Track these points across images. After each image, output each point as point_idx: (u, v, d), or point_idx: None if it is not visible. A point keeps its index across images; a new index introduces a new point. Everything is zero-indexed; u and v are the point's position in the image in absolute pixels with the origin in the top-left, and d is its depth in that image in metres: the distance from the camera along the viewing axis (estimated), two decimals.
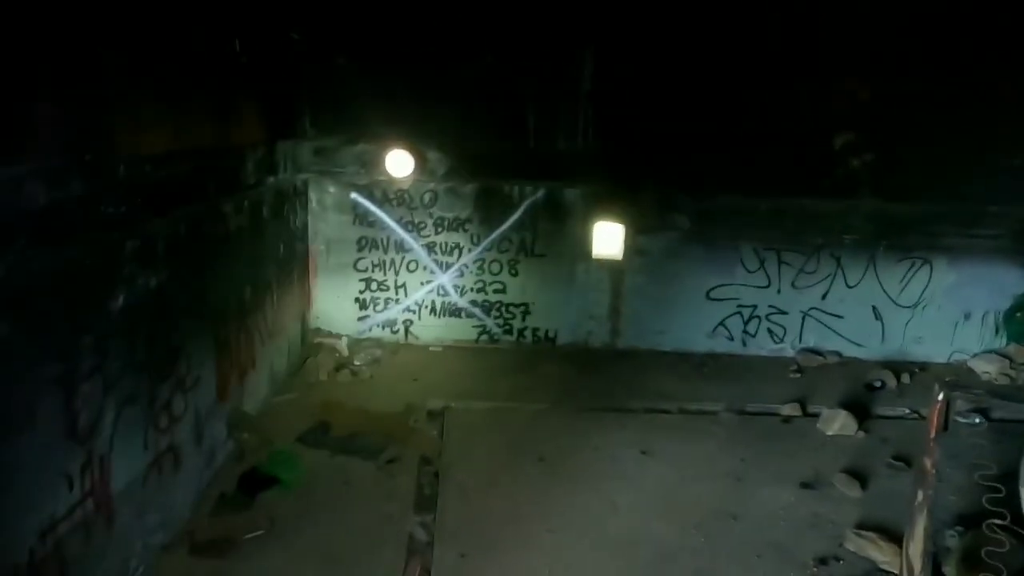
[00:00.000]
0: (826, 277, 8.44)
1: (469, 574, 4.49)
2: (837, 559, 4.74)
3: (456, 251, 8.34)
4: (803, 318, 8.56)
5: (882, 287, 8.44)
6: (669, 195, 8.22)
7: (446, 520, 5.00)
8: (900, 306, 8.50)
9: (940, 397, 3.52)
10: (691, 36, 7.72)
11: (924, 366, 8.37)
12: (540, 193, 8.23)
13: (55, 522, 3.39)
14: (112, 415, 3.86)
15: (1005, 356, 8.37)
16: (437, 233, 8.29)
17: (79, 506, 3.57)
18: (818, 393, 7.44)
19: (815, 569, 4.65)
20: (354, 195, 8.14)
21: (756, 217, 8.26)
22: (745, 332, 8.60)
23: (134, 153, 4.08)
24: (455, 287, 8.44)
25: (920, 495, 3.64)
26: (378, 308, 8.44)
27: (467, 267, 8.39)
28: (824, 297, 8.50)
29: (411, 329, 8.51)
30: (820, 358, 8.44)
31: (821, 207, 8.26)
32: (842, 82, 7.89)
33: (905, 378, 7.93)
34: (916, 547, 3.66)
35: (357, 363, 7.69)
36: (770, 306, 8.53)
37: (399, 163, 7.94)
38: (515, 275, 8.42)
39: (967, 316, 8.52)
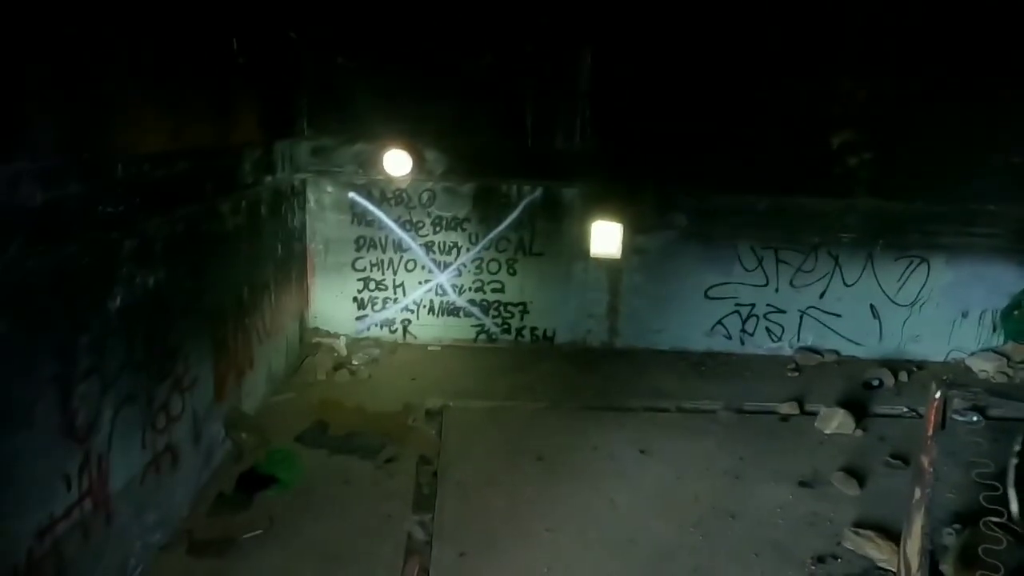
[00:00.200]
0: (824, 276, 8.46)
1: (467, 573, 4.50)
2: (835, 557, 4.76)
3: (454, 250, 8.34)
4: (801, 317, 8.58)
5: (880, 286, 8.46)
6: (667, 194, 8.22)
7: (444, 519, 5.00)
8: (898, 305, 8.52)
9: (937, 395, 3.52)
10: (689, 36, 7.73)
11: (922, 364, 8.39)
12: (538, 192, 8.23)
13: (53, 522, 3.39)
14: (110, 414, 3.86)
15: (1002, 354, 8.40)
16: (435, 232, 8.29)
17: (77, 506, 3.57)
18: (816, 391, 7.46)
19: (813, 567, 4.65)
20: (352, 194, 8.14)
21: (754, 216, 8.28)
22: (743, 331, 8.61)
23: (132, 152, 4.08)
24: (453, 286, 8.44)
25: (917, 493, 3.65)
26: (376, 307, 8.44)
27: (465, 266, 8.39)
28: (822, 296, 8.52)
29: (409, 328, 8.51)
30: (818, 356, 8.45)
31: (819, 206, 8.28)
32: (840, 82, 7.90)
33: (903, 376, 7.95)
34: (913, 545, 3.67)
35: (355, 362, 7.69)
36: (768, 305, 8.55)
37: (397, 162, 7.93)
38: (513, 274, 8.42)
39: (964, 314, 8.55)
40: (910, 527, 3.71)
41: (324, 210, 8.17)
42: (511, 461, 5.81)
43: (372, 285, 8.38)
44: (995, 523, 3.40)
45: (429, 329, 8.50)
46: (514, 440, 6.16)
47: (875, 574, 4.60)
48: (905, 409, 7.19)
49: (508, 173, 8.18)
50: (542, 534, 4.88)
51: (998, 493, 3.41)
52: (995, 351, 8.49)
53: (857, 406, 6.97)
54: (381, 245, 8.28)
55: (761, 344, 8.64)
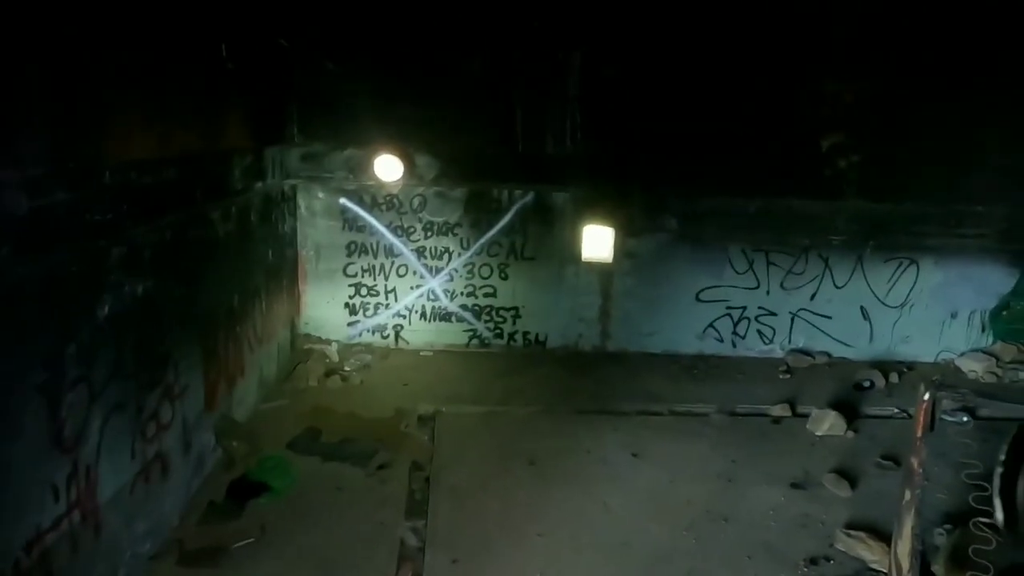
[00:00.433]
0: (814, 278, 8.50)
1: None
2: (827, 559, 4.77)
3: (446, 255, 8.33)
4: (792, 319, 8.62)
5: (870, 287, 8.51)
6: (658, 197, 8.25)
7: (437, 525, 4.98)
8: (888, 306, 8.57)
9: (926, 397, 3.54)
10: (679, 39, 7.77)
11: (912, 365, 8.44)
12: (529, 196, 8.24)
13: (41, 533, 3.35)
14: (98, 424, 3.82)
15: (991, 355, 8.46)
16: (427, 237, 8.28)
17: (65, 517, 3.53)
18: (807, 393, 7.49)
19: (805, 569, 4.66)
20: (343, 200, 8.13)
21: (745, 219, 8.31)
22: (735, 333, 8.64)
23: (120, 160, 4.06)
24: (445, 291, 8.43)
25: (907, 494, 3.67)
26: (368, 313, 8.42)
27: (457, 271, 8.38)
28: (813, 298, 8.56)
29: (401, 334, 8.49)
30: (809, 358, 8.49)
31: (809, 208, 8.32)
32: (828, 84, 7.96)
33: (893, 378, 7.99)
34: (904, 546, 3.68)
35: (347, 369, 7.67)
36: (759, 307, 8.58)
37: (388, 167, 7.93)
38: (505, 279, 8.42)
39: (954, 315, 8.61)
40: (900, 528, 3.72)
41: (315, 216, 8.15)
42: (504, 466, 5.80)
43: (364, 291, 8.36)
44: (985, 523, 3.42)
45: (421, 334, 8.48)
46: (507, 445, 6.15)
47: (867, 575, 4.61)
48: (896, 410, 7.22)
49: (499, 177, 8.19)
50: (535, 539, 4.87)
51: (988, 493, 3.42)
52: (984, 351, 8.54)
53: (848, 407, 7.00)
54: (372, 251, 8.27)
55: (753, 346, 8.67)
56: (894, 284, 8.51)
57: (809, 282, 8.51)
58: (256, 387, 6.63)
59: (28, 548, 3.27)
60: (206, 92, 5.48)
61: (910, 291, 8.52)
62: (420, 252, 8.31)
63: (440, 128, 7.89)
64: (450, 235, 8.28)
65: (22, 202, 3.18)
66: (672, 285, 8.46)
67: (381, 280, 8.35)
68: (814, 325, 8.63)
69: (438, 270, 8.37)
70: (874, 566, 4.63)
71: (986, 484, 3.47)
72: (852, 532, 4.90)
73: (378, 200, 8.16)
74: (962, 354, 8.58)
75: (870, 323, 8.61)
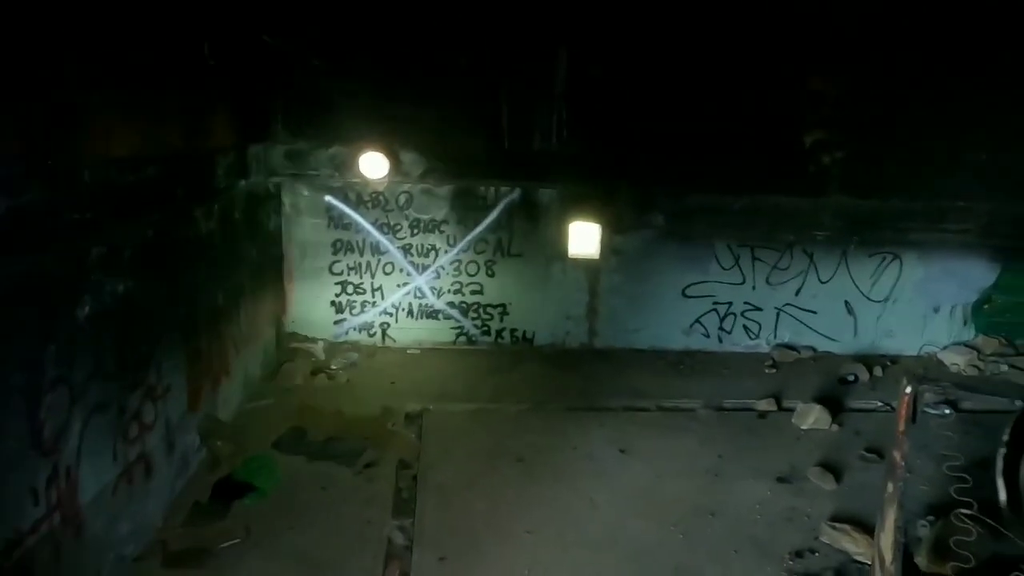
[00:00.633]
0: (799, 273, 8.56)
1: None
2: (812, 552, 4.81)
3: (432, 253, 8.30)
4: (777, 314, 8.67)
5: (854, 282, 8.58)
6: (644, 194, 8.27)
7: (425, 523, 4.97)
8: (872, 301, 8.64)
9: (907, 390, 3.57)
10: (664, 37, 7.78)
11: (895, 359, 8.52)
12: (516, 193, 8.23)
13: (21, 536, 3.31)
14: (79, 426, 3.78)
15: (973, 348, 8.56)
16: (413, 235, 8.25)
17: (46, 519, 3.49)
18: (793, 388, 7.54)
19: (791, 562, 4.70)
20: (328, 198, 8.07)
21: (731, 215, 8.35)
22: (721, 329, 8.68)
23: (99, 158, 4.01)
24: (432, 289, 8.40)
25: (890, 487, 3.70)
26: (354, 311, 8.38)
27: (443, 268, 8.36)
28: (798, 293, 8.62)
29: (388, 332, 8.46)
30: (795, 353, 8.55)
31: (794, 204, 8.37)
32: (812, 81, 8.00)
33: (877, 371, 8.06)
34: (887, 539, 3.72)
35: (334, 367, 7.63)
36: (745, 303, 8.63)
37: (373, 165, 7.89)
38: (492, 276, 8.40)
39: (936, 309, 8.70)
40: (883, 521, 3.75)
41: (300, 214, 8.10)
42: (491, 463, 5.80)
43: (350, 289, 8.32)
44: (966, 515, 3.46)
45: (408, 332, 8.45)
46: (494, 442, 6.15)
47: (851, 567, 4.65)
48: (880, 403, 7.29)
49: (485, 174, 8.17)
50: (522, 535, 4.87)
51: (969, 485, 3.46)
52: (966, 345, 8.65)
53: (833, 401, 7.06)
54: (358, 248, 8.22)
55: (739, 342, 8.71)
56: (878, 279, 8.59)
57: (794, 277, 8.57)
58: (241, 386, 6.59)
59: (8, 551, 3.23)
60: (188, 89, 5.42)
61: (894, 286, 8.60)
62: (406, 250, 8.27)
63: (426, 125, 7.85)
64: (436, 232, 8.26)
65: None
66: (659, 281, 8.48)
67: (367, 278, 8.31)
68: (799, 320, 8.69)
69: (425, 267, 8.34)
70: (858, 558, 4.68)
71: (967, 476, 3.51)
72: (837, 525, 4.94)
73: (364, 198, 8.12)
74: (944, 347, 8.68)
75: (854, 317, 8.68)
